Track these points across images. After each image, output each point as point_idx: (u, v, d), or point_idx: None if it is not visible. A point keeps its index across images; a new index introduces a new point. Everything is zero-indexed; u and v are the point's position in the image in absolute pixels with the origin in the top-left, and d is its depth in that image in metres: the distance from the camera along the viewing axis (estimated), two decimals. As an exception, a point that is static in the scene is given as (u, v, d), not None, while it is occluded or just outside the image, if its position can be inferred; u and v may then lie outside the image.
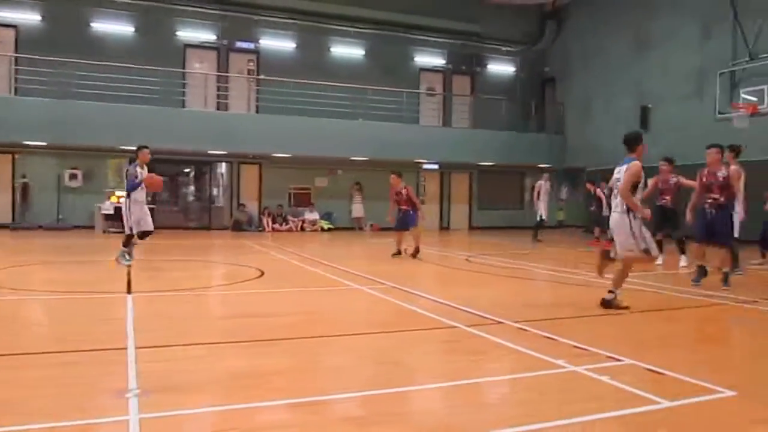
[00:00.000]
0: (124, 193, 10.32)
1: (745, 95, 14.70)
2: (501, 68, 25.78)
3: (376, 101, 21.41)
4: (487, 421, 3.31)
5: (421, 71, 24.38)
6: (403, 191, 12.54)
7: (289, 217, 21.85)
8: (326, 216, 22.50)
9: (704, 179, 8.66)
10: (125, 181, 10.19)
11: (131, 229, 10.00)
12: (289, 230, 21.40)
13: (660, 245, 11.02)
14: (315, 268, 10.59)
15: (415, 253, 12.27)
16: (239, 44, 21.83)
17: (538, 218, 17.24)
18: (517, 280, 9.39)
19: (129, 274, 8.95)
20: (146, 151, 10.26)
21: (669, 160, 11.31)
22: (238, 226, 20.91)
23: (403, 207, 12.55)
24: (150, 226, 10.22)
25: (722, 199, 8.49)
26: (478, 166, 24.20)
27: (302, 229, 21.67)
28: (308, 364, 4.43)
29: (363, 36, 23.02)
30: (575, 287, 8.68)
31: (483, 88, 25.08)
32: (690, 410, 3.44)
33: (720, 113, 15.15)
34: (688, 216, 8.99)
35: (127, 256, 9.97)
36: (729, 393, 3.73)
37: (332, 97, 20.73)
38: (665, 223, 11.04)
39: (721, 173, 8.53)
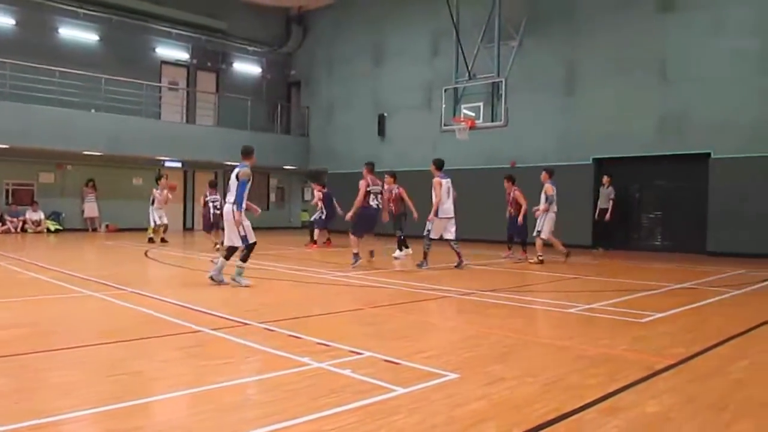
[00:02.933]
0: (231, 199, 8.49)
1: (466, 110, 16.51)
2: (247, 68, 25.67)
3: (112, 92, 19.89)
4: (234, 424, 3.26)
5: (162, 64, 23.21)
6: None
7: (7, 217, 19.28)
8: (53, 216, 20.32)
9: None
10: (235, 183, 8.46)
11: (245, 240, 8.53)
12: (6, 231, 18.92)
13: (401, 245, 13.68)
14: (39, 275, 9.48)
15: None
16: (-60, 15, 18.66)
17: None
18: (262, 281, 9.41)
19: None
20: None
21: (392, 174, 13.51)
22: (-62, 228, 17.87)
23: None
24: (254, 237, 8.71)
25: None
26: (224, 165, 23.77)
27: (23, 230, 19.29)
28: (30, 383, 3.94)
29: (96, 20, 21.17)
30: (320, 286, 8.98)
31: (229, 87, 24.73)
32: (422, 394, 3.77)
33: (445, 125, 16.81)
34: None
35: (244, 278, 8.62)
36: (453, 376, 4.17)
37: (60, 84, 18.77)
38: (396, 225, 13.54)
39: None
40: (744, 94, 14.48)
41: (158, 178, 17.33)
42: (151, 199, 16.83)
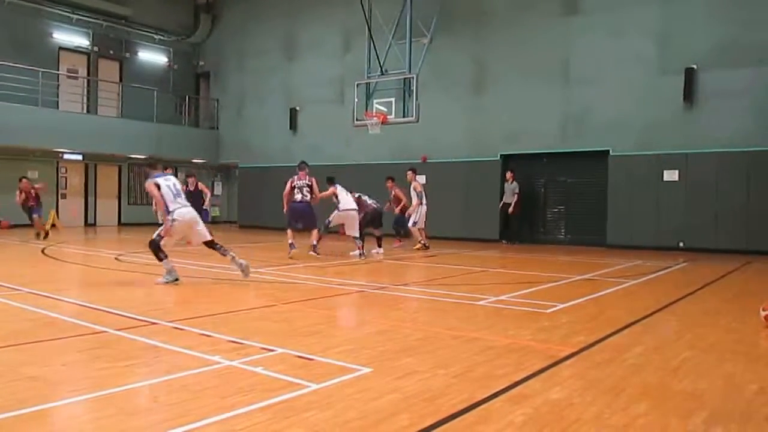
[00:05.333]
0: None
1: (378, 105, 16.60)
2: (153, 57, 24.72)
3: (4, 79, 18.65)
4: (140, 428, 3.15)
5: (60, 50, 21.96)
6: None
7: None
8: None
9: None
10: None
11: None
12: None
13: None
14: None
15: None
16: None
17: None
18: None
19: None
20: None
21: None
22: None
23: None
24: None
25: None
26: (128, 158, 22.86)
27: None
28: None
29: (-14, 2, 19.78)
30: (230, 282, 8.80)
31: (133, 77, 23.72)
32: (336, 389, 3.77)
33: (358, 119, 16.84)
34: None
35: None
36: (366, 370, 4.20)
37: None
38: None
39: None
40: (641, 94, 15.34)
41: None
42: None
